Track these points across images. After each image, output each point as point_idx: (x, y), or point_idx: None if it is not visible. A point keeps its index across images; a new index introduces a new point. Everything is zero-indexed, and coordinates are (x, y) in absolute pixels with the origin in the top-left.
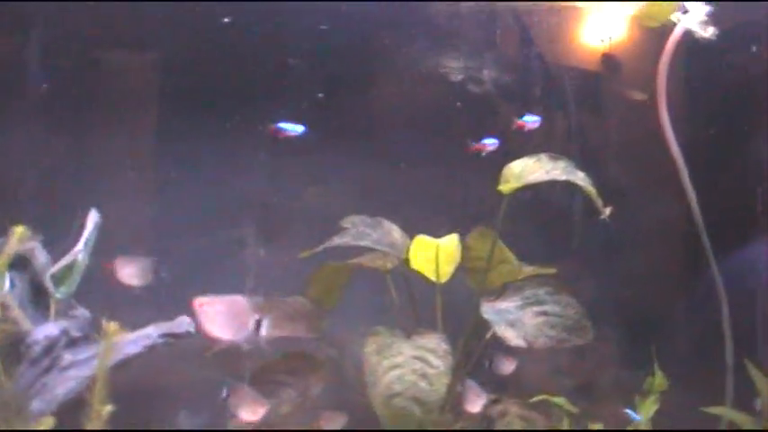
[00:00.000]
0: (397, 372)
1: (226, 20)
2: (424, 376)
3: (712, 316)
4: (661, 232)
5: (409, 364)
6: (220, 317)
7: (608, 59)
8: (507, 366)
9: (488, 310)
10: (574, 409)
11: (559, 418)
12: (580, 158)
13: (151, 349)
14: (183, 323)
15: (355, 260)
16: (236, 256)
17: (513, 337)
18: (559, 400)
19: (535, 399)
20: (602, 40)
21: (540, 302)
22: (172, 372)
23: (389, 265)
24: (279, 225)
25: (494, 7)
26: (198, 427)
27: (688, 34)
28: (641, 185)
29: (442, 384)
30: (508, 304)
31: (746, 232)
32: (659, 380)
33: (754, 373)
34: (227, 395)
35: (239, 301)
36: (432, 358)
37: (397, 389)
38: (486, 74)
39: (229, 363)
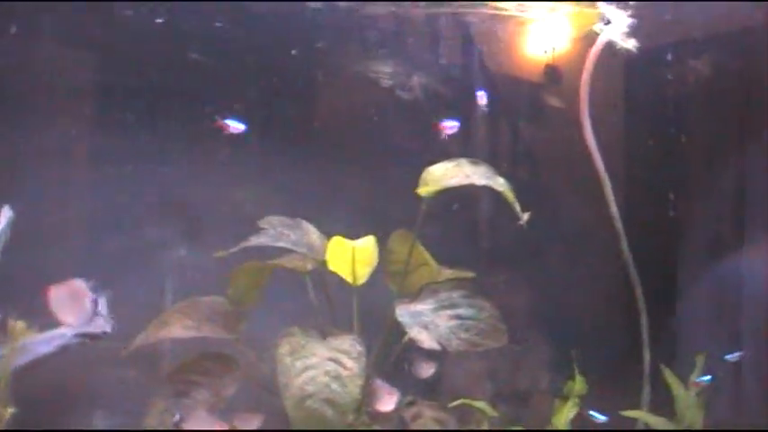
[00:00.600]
0: (310, 373)
1: (159, 20)
2: (337, 378)
3: (632, 322)
4: (583, 239)
5: (323, 366)
6: (64, 302)
7: (550, 69)
8: (426, 370)
9: (403, 312)
10: (494, 413)
11: (479, 422)
12: (511, 164)
13: (65, 349)
14: (99, 323)
15: (275, 261)
16: (158, 257)
17: (426, 340)
18: (479, 403)
19: (455, 403)
20: (545, 50)
21: (454, 306)
22: (87, 372)
23: (309, 267)
24: (202, 226)
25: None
26: (113, 428)
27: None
28: (567, 192)
29: (355, 386)
30: (423, 307)
31: (665, 239)
32: (579, 384)
33: (670, 378)
34: (180, 419)
35: (78, 284)
36: (345, 360)
37: (309, 390)
38: (417, 80)
39: (146, 363)
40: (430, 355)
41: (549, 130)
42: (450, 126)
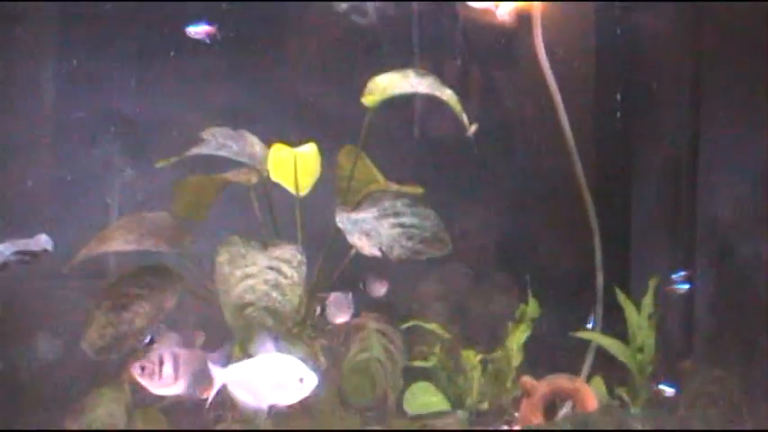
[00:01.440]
0: (249, 282)
1: None
2: (276, 287)
3: (585, 245)
4: (536, 162)
5: (262, 275)
6: None
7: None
8: (379, 288)
9: (343, 219)
10: (446, 335)
11: (432, 344)
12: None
13: (4, 267)
14: (40, 240)
15: (218, 174)
16: (103, 175)
17: (366, 246)
18: (432, 325)
19: (406, 324)
20: None
21: (397, 214)
22: (30, 290)
23: (254, 180)
24: (146, 142)
25: None
26: (57, 347)
27: None
28: (522, 116)
29: (295, 295)
30: (365, 215)
31: (619, 160)
32: (532, 307)
33: (623, 300)
34: (152, 340)
35: None
36: (286, 269)
37: (248, 299)
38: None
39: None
40: (383, 274)
41: (508, 57)
42: None
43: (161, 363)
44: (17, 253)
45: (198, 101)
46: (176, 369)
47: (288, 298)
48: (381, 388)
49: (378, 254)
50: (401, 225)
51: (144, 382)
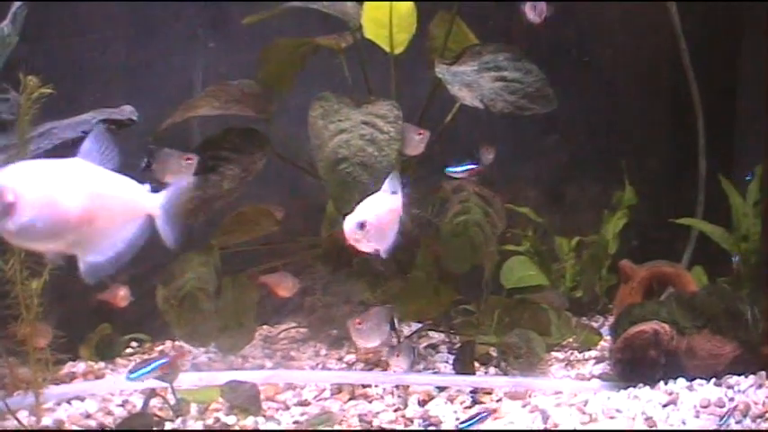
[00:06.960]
0: (344, 136)
1: None
2: (372, 141)
3: (688, 130)
4: (640, 43)
5: (357, 129)
6: None
7: None
8: (487, 156)
9: (443, 70)
10: (537, 219)
11: (524, 227)
12: None
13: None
14: (125, 110)
15: (306, 39)
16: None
17: (468, 97)
18: (523, 209)
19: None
20: None
21: (499, 68)
22: None
23: (343, 44)
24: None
25: None
26: None
27: None
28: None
29: (392, 150)
30: (465, 68)
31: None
32: (629, 194)
33: (727, 186)
34: (149, 163)
35: None
36: (381, 124)
37: (343, 153)
38: None
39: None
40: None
41: None
42: None
43: None
44: (102, 121)
45: None
46: None
47: (385, 153)
48: (481, 254)
49: (480, 105)
50: (503, 79)
51: None
